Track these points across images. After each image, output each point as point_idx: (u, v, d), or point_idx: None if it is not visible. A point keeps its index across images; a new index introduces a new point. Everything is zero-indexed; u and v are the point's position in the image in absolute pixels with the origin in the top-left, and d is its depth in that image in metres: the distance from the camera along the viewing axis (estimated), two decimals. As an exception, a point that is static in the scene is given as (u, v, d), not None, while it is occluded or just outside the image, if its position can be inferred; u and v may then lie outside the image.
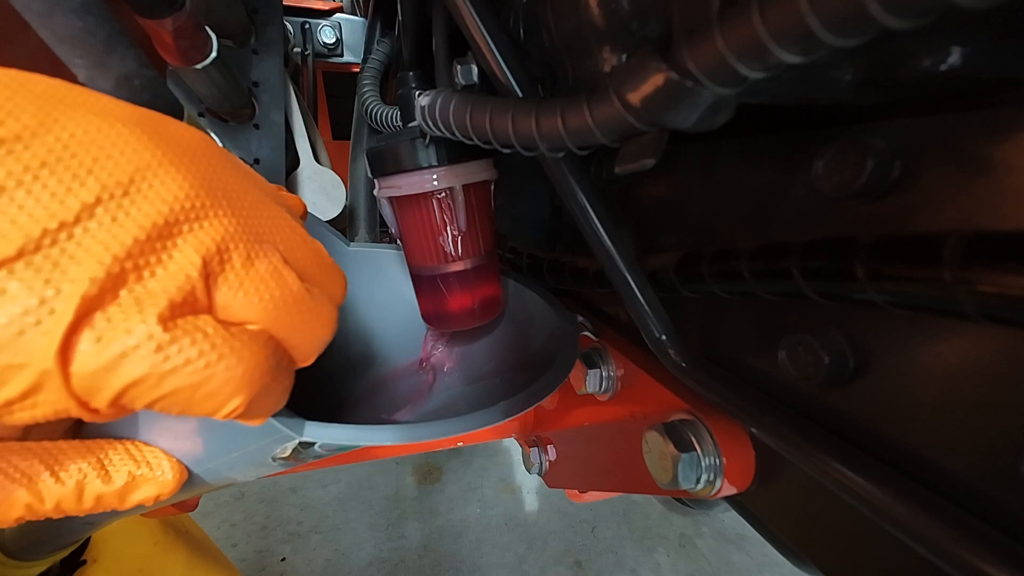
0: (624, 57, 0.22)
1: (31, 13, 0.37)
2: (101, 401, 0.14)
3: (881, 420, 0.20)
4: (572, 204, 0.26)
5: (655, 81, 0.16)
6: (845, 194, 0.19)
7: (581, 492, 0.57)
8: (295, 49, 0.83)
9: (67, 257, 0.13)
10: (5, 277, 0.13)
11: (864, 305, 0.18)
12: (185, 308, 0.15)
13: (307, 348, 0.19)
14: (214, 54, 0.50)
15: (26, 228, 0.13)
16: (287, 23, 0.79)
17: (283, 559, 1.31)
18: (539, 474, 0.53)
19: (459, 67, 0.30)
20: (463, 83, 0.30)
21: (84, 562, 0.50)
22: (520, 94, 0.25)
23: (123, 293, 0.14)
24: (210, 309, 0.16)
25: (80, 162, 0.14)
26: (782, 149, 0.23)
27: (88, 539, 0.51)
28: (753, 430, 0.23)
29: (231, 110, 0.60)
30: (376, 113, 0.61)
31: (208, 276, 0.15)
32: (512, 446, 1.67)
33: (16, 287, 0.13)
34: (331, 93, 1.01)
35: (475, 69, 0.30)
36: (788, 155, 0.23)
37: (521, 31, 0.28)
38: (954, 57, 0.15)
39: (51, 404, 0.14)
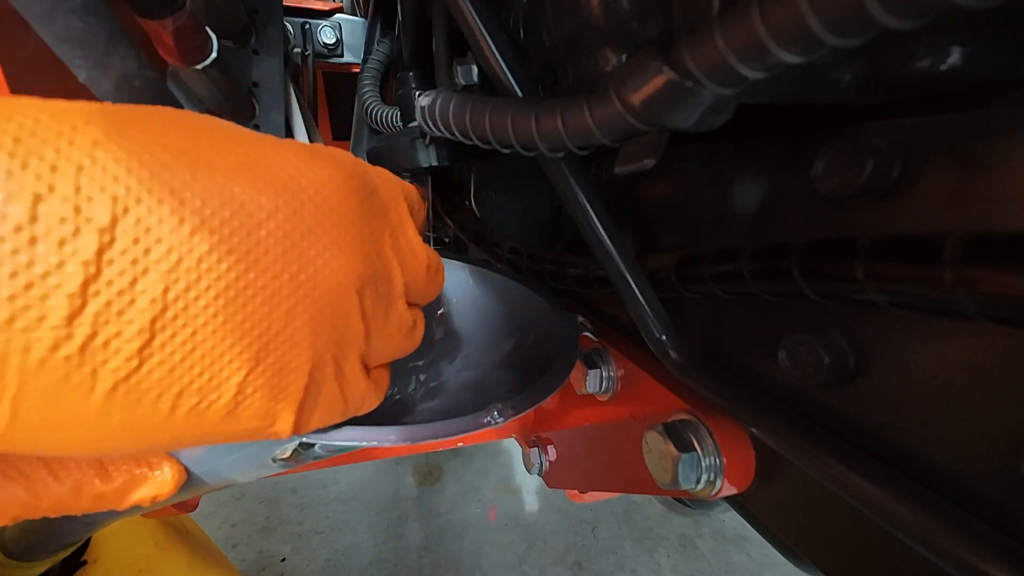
0: (624, 57, 0.22)
1: (32, 14, 0.37)
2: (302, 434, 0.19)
3: (881, 420, 0.20)
4: (572, 204, 0.26)
5: (655, 81, 0.16)
6: (845, 194, 0.19)
7: (581, 492, 0.57)
8: (295, 49, 0.83)
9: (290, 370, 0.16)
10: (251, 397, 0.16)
11: (864, 305, 0.18)
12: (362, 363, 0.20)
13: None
14: (214, 54, 0.50)
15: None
16: (287, 23, 0.79)
17: (283, 559, 1.31)
18: (539, 474, 0.53)
19: (459, 67, 0.30)
20: (463, 83, 0.30)
21: (84, 562, 0.50)
22: (520, 94, 0.25)
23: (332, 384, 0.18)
24: (367, 358, 0.20)
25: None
26: (782, 149, 0.23)
27: (88, 539, 0.51)
28: (753, 430, 0.23)
29: (231, 111, 0.60)
30: (376, 113, 0.61)
31: (367, 332, 0.19)
32: (512, 446, 1.67)
33: (252, 407, 0.16)
34: (331, 93, 1.01)
35: (475, 69, 0.29)
36: (788, 155, 0.23)
37: (521, 31, 0.28)
38: (954, 57, 0.15)
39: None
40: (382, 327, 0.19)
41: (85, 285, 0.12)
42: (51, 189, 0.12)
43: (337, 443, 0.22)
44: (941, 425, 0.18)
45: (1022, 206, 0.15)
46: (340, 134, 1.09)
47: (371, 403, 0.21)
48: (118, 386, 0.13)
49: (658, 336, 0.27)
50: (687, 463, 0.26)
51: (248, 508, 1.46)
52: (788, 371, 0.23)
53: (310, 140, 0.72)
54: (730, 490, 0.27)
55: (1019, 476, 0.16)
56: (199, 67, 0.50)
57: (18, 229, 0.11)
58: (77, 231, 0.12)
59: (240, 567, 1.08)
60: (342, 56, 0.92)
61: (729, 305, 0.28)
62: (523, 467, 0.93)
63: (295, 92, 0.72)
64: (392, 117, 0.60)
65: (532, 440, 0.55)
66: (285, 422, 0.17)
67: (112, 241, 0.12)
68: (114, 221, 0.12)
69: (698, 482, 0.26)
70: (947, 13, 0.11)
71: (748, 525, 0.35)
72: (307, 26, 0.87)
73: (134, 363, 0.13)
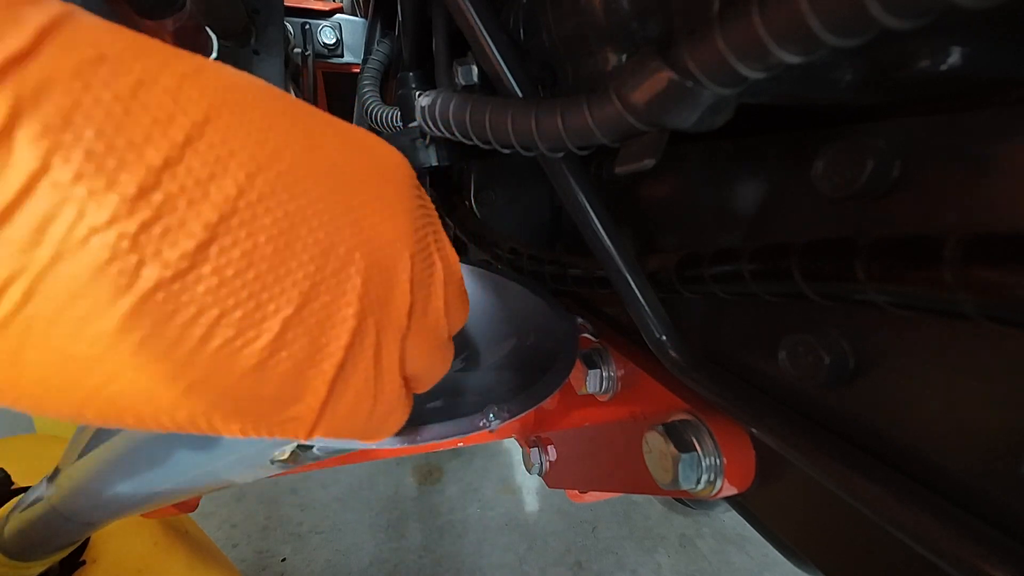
0: (624, 57, 0.22)
1: (31, 14, 0.37)
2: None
3: (881, 420, 0.20)
4: (572, 204, 0.26)
5: (655, 81, 0.16)
6: (845, 194, 0.19)
7: (581, 492, 0.57)
8: (295, 50, 0.83)
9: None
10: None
11: (864, 305, 0.18)
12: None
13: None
14: (214, 55, 0.51)
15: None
16: (287, 24, 0.79)
17: (283, 559, 1.31)
18: (539, 474, 0.53)
19: (459, 67, 0.30)
20: (463, 83, 0.30)
21: (83, 562, 0.50)
22: (520, 94, 0.25)
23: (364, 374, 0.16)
24: (404, 356, 0.18)
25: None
26: (782, 149, 0.23)
27: (87, 539, 0.51)
28: (753, 430, 0.23)
29: (231, 111, 0.60)
30: (376, 113, 0.61)
31: (412, 309, 0.17)
32: (512, 446, 1.67)
33: (286, 363, 0.13)
34: (331, 93, 1.01)
35: (475, 69, 0.30)
36: (788, 155, 0.23)
37: (521, 31, 0.28)
38: (954, 57, 0.15)
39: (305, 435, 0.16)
40: (423, 314, 0.18)
41: (165, 166, 0.11)
42: (164, 65, 0.12)
43: (334, 445, 0.22)
44: (941, 425, 0.18)
45: (1022, 206, 0.15)
46: (340, 134, 1.09)
47: (398, 418, 0.19)
48: (160, 287, 0.11)
49: (658, 336, 0.27)
50: (687, 463, 0.26)
51: (248, 508, 1.46)
52: (788, 371, 0.23)
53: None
54: (730, 490, 0.27)
55: (1019, 476, 0.16)
56: (199, 67, 0.50)
57: (134, 88, 0.11)
58: (172, 116, 0.11)
59: (240, 567, 1.08)
60: (342, 56, 0.92)
61: (729, 305, 0.28)
62: (523, 467, 0.93)
63: (295, 92, 0.72)
64: (392, 117, 0.60)
65: (532, 440, 0.55)
66: (311, 401, 0.14)
67: (201, 135, 0.12)
68: (207, 118, 0.12)
69: (698, 482, 0.26)
70: (947, 13, 0.11)
71: (748, 525, 0.35)
72: (307, 26, 0.87)
73: (185, 264, 0.11)
